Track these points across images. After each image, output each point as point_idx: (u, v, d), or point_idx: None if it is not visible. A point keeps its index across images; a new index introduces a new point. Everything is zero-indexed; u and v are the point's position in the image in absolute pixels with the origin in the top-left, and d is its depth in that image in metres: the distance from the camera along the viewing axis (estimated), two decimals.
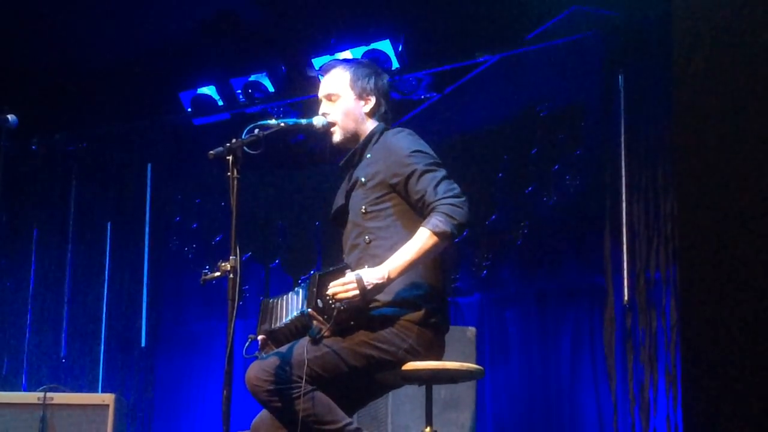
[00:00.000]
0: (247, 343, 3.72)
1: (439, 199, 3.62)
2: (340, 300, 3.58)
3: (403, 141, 3.80)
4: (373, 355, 3.64)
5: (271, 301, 3.80)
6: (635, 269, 6.04)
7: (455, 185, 3.67)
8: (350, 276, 3.59)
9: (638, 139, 6.15)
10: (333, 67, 3.99)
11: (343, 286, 3.58)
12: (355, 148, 3.91)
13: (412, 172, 3.70)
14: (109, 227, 8.22)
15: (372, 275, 3.58)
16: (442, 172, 3.70)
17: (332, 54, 6.86)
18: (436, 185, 3.65)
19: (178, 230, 8.44)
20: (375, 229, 3.74)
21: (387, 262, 3.61)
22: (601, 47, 6.43)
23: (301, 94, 7.34)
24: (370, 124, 3.93)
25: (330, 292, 3.59)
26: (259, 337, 3.78)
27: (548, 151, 6.88)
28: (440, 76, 7.19)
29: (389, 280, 3.60)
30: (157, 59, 7.56)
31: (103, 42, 7.50)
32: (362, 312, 3.63)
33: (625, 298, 6.04)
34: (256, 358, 3.72)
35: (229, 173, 3.56)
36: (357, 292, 3.57)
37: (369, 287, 3.57)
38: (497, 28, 6.71)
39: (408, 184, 3.71)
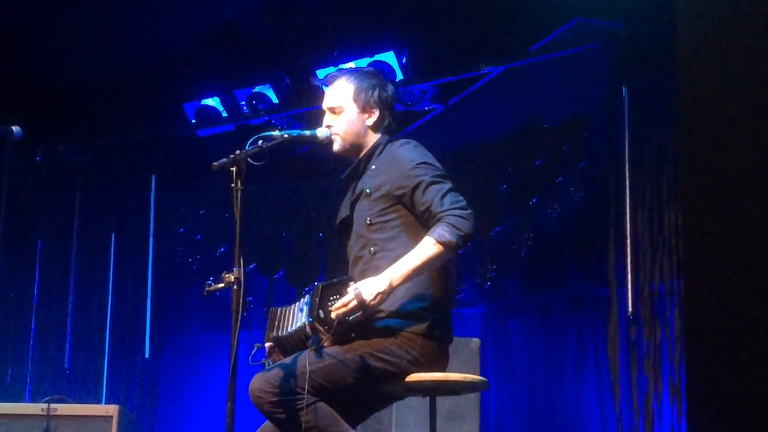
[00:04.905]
0: (253, 351, 3.71)
1: (445, 210, 3.62)
2: (343, 316, 3.57)
3: (409, 152, 3.79)
4: (376, 366, 3.64)
5: (279, 309, 3.80)
6: (639, 281, 6.03)
7: (461, 198, 3.67)
8: (351, 293, 3.58)
9: (642, 150, 6.14)
10: (336, 78, 3.96)
11: (344, 307, 3.58)
12: (358, 159, 3.91)
13: (419, 184, 3.69)
14: (113, 238, 8.22)
15: (373, 286, 3.57)
16: (448, 184, 3.70)
17: (336, 65, 6.86)
18: (443, 197, 3.65)
19: (182, 241, 8.44)
20: (379, 240, 3.74)
21: (389, 270, 3.60)
22: (605, 59, 6.43)
23: (305, 105, 7.35)
24: (374, 137, 3.92)
25: (333, 313, 3.58)
26: (266, 345, 3.78)
27: (552, 162, 6.88)
28: (444, 87, 7.20)
29: (392, 288, 3.59)
30: (162, 71, 7.57)
31: (107, 53, 7.51)
32: (365, 323, 3.62)
33: (630, 309, 6.02)
34: (262, 365, 3.71)
35: (232, 184, 3.56)
36: (359, 312, 3.57)
37: (369, 299, 3.56)
38: (501, 39, 6.72)
39: (414, 195, 3.70)
